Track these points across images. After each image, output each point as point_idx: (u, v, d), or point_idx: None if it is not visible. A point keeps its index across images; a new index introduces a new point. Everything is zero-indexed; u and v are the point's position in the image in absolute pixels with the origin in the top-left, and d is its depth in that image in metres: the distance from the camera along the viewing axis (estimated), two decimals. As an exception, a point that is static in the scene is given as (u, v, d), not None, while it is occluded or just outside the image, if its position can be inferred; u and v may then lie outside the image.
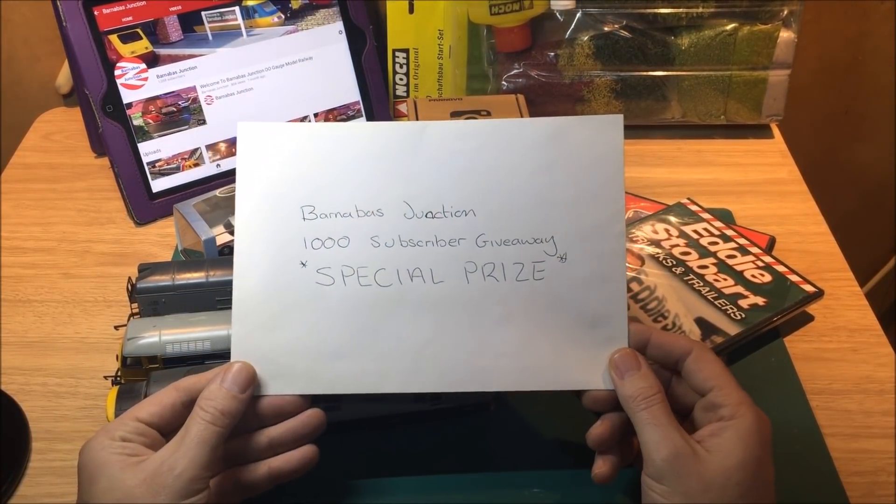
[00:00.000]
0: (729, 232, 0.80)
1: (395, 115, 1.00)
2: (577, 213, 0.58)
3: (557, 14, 0.92)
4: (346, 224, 0.58)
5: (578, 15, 0.92)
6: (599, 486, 0.57)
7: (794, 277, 0.75)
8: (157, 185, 0.88)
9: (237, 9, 0.90)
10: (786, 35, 0.93)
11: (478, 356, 0.57)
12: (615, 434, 0.56)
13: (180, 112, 0.88)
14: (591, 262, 0.58)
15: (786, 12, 0.92)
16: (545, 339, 0.58)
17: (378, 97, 0.97)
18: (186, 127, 0.89)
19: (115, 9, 0.85)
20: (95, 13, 0.84)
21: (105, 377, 0.67)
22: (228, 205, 0.78)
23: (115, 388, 0.61)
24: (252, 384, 0.55)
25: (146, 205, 0.88)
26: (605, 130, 0.58)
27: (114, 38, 0.85)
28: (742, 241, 0.79)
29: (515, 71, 0.94)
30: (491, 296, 0.58)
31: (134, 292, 0.68)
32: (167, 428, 0.54)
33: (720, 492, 0.50)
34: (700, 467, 0.50)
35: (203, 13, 0.88)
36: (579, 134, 0.58)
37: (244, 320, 0.57)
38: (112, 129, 0.86)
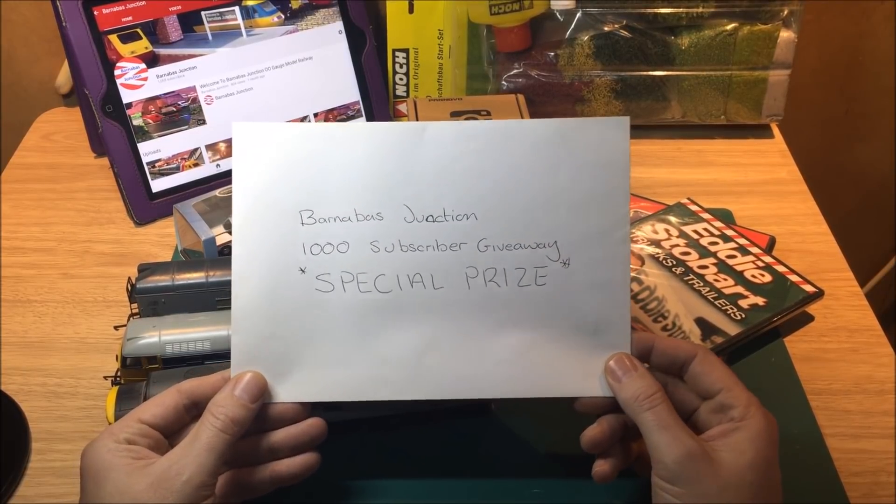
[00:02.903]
0: (729, 232, 0.80)
1: (395, 115, 1.00)
2: (581, 218, 0.57)
3: (557, 14, 0.92)
4: (346, 228, 0.57)
5: (578, 15, 0.92)
6: (602, 489, 0.57)
7: (794, 277, 0.75)
8: (157, 185, 0.88)
9: (237, 9, 0.90)
10: (786, 35, 0.93)
11: (477, 363, 0.57)
12: (612, 436, 0.56)
13: (180, 112, 0.88)
14: (595, 268, 0.57)
15: (786, 12, 0.92)
16: (546, 346, 0.57)
17: (378, 97, 0.97)
18: (186, 127, 0.89)
19: (115, 9, 0.85)
20: (95, 13, 0.84)
21: (105, 377, 0.67)
22: (228, 205, 0.78)
23: (115, 389, 0.62)
24: (262, 394, 0.55)
25: (146, 205, 0.88)
26: (610, 132, 0.57)
27: (114, 38, 0.85)
28: (742, 241, 0.79)
29: (515, 71, 0.94)
30: (492, 302, 0.57)
31: (134, 292, 0.68)
32: (169, 430, 0.54)
33: (735, 492, 0.50)
34: (714, 468, 0.50)
35: (203, 13, 0.88)
36: (584, 136, 0.57)
37: (244, 328, 0.56)
38: (112, 129, 0.86)
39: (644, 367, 0.56)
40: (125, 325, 0.65)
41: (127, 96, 0.86)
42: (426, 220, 0.57)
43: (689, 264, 0.76)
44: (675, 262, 0.77)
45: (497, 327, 0.57)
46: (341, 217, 0.57)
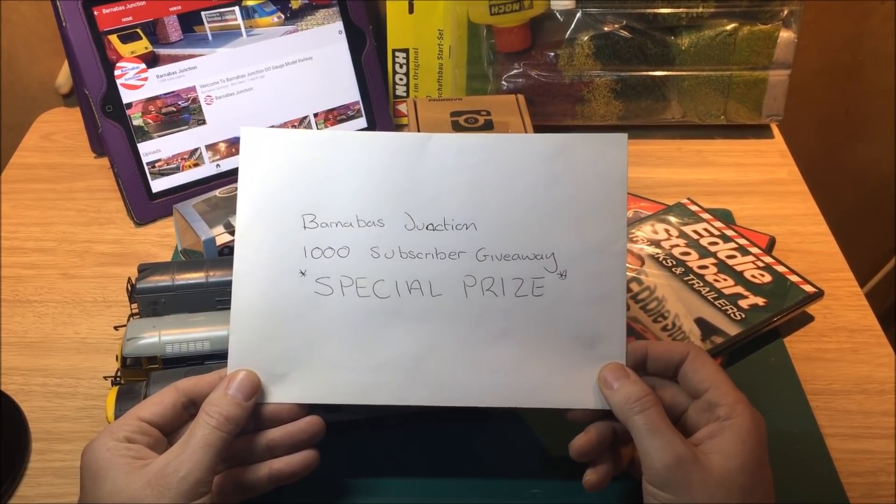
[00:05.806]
0: (729, 232, 0.80)
1: (394, 116, 1.00)
2: (579, 231, 0.58)
3: (557, 14, 0.92)
4: (347, 234, 0.58)
5: (578, 15, 0.92)
6: (601, 492, 0.57)
7: (794, 278, 0.75)
8: (157, 185, 0.88)
9: (237, 9, 0.90)
10: (786, 35, 0.93)
11: (473, 371, 0.57)
12: (600, 444, 0.56)
13: (180, 112, 0.88)
14: (591, 280, 0.57)
15: (786, 12, 0.92)
16: (542, 356, 0.57)
17: (378, 97, 0.97)
18: (186, 127, 0.89)
19: (115, 9, 0.85)
20: (95, 13, 0.84)
21: (105, 377, 0.67)
22: (228, 205, 0.78)
23: (115, 389, 0.62)
24: (256, 393, 0.55)
25: (146, 205, 0.88)
26: (608, 148, 0.58)
27: (113, 38, 0.85)
28: (742, 241, 0.79)
29: (515, 71, 0.94)
30: (489, 311, 0.57)
31: (134, 292, 0.68)
32: (168, 427, 0.54)
33: (726, 495, 0.50)
34: (703, 473, 0.50)
35: (203, 13, 0.88)
36: (583, 151, 0.58)
37: (242, 328, 0.57)
38: (112, 129, 0.86)
39: (636, 375, 0.56)
40: (125, 325, 0.65)
41: (127, 96, 0.86)
42: (426, 228, 0.58)
43: (689, 264, 0.76)
44: (675, 263, 0.77)
45: (494, 336, 0.57)
46: (343, 222, 0.58)
